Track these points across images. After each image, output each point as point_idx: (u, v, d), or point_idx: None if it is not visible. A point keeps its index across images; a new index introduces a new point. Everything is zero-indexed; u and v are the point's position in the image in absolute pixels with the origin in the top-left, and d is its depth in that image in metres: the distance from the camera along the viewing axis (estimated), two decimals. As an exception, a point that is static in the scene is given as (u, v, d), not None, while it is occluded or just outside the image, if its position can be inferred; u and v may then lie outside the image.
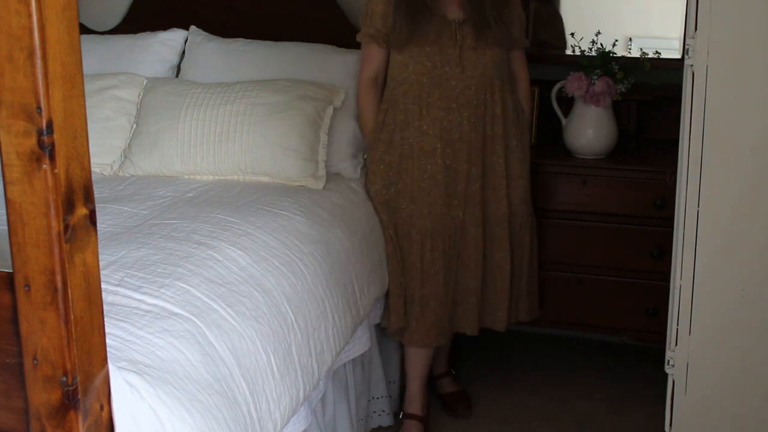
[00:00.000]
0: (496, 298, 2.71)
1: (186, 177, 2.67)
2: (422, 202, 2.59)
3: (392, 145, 2.61)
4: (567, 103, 3.03)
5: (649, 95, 3.09)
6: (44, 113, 1.10)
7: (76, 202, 1.17)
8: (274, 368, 1.84)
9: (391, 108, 2.62)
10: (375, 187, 2.65)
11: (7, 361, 1.22)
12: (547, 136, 3.18)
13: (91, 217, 1.21)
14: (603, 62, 2.92)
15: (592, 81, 2.88)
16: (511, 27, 2.64)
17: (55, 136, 1.12)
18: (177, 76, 3.08)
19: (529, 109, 2.80)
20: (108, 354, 1.30)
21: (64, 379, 1.18)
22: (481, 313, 2.70)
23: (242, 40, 3.06)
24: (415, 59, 2.56)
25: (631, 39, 3.19)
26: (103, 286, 1.33)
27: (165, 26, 3.17)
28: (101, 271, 1.29)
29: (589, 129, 2.93)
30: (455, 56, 2.54)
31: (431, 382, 2.93)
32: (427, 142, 2.57)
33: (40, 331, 1.18)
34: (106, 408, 1.29)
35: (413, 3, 2.54)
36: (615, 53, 2.98)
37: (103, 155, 2.75)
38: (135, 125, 2.79)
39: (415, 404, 2.73)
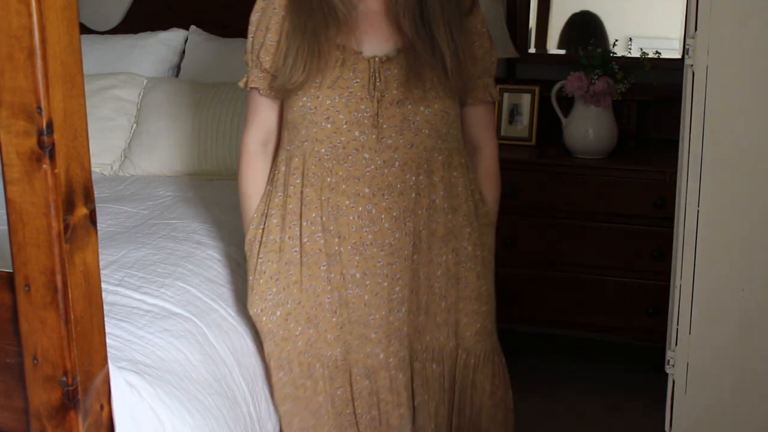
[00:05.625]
0: None
1: (186, 177, 2.67)
2: (327, 324, 1.77)
3: (276, 248, 1.77)
4: (567, 103, 3.03)
5: (649, 95, 3.08)
6: (44, 113, 1.10)
7: (76, 202, 1.17)
8: (274, 368, 1.83)
9: (276, 192, 1.78)
10: (254, 309, 1.79)
11: (7, 361, 1.23)
12: (547, 136, 3.18)
13: (91, 217, 1.21)
14: (603, 62, 2.91)
15: (592, 81, 2.88)
16: (471, 64, 1.76)
17: (55, 136, 1.12)
18: (177, 76, 3.08)
19: (493, 199, 1.87)
20: (108, 354, 1.30)
21: (64, 379, 1.18)
22: None
23: (242, 40, 3.04)
24: (307, 119, 1.70)
25: (631, 39, 3.19)
26: (103, 286, 1.33)
27: (165, 26, 3.17)
28: (101, 271, 1.29)
29: (589, 129, 2.93)
30: (370, 114, 1.68)
31: None
32: (329, 243, 1.73)
33: (40, 331, 1.18)
34: (106, 408, 1.29)
35: (313, 29, 1.69)
36: (615, 53, 2.98)
37: (103, 155, 2.75)
38: (135, 125, 2.80)
39: None
